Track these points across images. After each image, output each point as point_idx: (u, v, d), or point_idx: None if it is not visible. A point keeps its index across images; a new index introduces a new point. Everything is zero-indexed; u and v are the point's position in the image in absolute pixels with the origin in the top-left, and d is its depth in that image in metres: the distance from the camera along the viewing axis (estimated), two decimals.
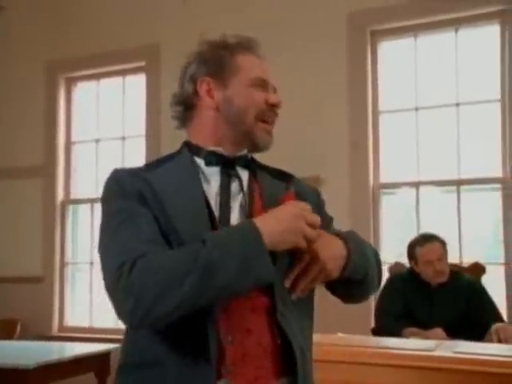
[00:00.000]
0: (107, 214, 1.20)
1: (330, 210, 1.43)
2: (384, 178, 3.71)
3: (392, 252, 3.63)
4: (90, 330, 4.35)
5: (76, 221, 4.59)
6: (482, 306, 2.89)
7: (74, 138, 4.61)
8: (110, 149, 4.53)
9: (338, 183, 3.62)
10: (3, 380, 2.80)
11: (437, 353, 2.01)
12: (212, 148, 1.28)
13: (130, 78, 4.49)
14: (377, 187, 3.69)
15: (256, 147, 1.31)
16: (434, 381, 1.90)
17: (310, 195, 1.35)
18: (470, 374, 1.85)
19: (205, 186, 1.25)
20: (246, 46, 1.32)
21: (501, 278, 3.42)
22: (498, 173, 3.47)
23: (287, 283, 1.19)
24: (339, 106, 3.70)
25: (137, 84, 4.40)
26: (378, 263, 1.36)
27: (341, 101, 3.70)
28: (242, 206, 1.25)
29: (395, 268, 3.26)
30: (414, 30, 3.70)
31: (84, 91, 4.65)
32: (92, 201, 4.41)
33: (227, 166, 1.27)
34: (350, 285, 1.27)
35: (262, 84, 1.30)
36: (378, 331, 2.95)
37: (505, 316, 3.07)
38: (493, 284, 3.18)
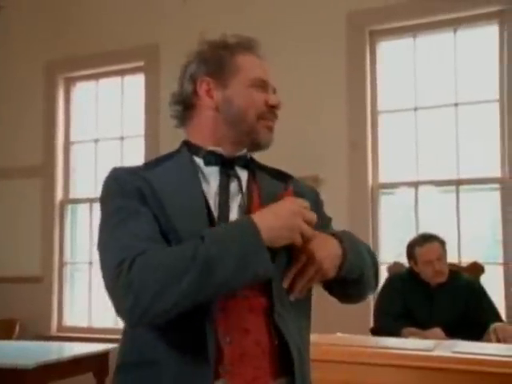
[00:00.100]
0: (106, 213, 1.20)
1: (328, 209, 1.43)
2: (383, 177, 3.71)
3: (391, 252, 3.63)
4: (89, 329, 4.35)
5: (75, 220, 4.58)
6: (480, 306, 2.90)
7: (72, 138, 4.61)
8: (108, 149, 4.53)
9: (337, 183, 3.62)
10: (2, 380, 2.80)
11: (435, 353, 2.01)
12: (211, 148, 1.28)
13: (128, 78, 4.49)
14: (376, 187, 3.69)
15: (257, 146, 1.31)
16: (433, 380, 1.90)
17: (309, 195, 1.34)
18: (468, 373, 1.85)
19: (204, 185, 1.25)
20: (246, 45, 1.32)
21: (499, 277, 3.42)
22: (496, 173, 3.47)
23: (285, 284, 1.19)
24: (338, 105, 3.71)
25: (136, 84, 4.40)
26: (375, 263, 1.36)
27: (340, 101, 3.70)
28: (240, 206, 1.25)
29: (394, 268, 3.26)
30: (413, 30, 3.70)
31: (83, 91, 4.65)
32: (91, 200, 4.41)
33: (226, 165, 1.27)
34: (347, 284, 1.27)
35: (262, 85, 1.30)
36: (376, 331, 2.95)
37: (503, 316, 3.07)
38: (491, 284, 3.18)
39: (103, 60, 4.42)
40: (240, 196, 1.26)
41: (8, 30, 4.67)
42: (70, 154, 4.60)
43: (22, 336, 4.10)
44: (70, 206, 4.57)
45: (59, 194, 4.52)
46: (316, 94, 3.76)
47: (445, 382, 1.89)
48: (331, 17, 3.76)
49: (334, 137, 3.70)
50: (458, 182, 3.55)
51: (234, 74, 1.29)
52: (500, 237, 3.45)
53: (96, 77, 4.56)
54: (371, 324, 3.23)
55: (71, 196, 4.58)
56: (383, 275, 3.13)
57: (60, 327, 4.42)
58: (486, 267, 3.15)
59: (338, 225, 1.41)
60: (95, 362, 3.24)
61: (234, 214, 1.23)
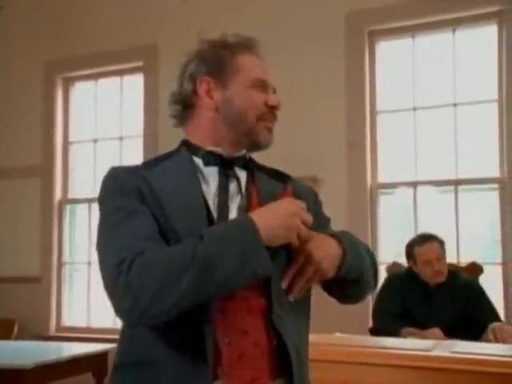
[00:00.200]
0: (105, 212, 1.19)
1: (327, 210, 1.43)
2: (382, 177, 3.71)
3: (390, 252, 3.63)
4: (88, 329, 4.35)
5: (74, 220, 4.58)
6: (479, 306, 2.89)
7: (71, 138, 4.61)
8: (107, 149, 4.53)
9: (336, 183, 3.63)
10: (1, 380, 2.79)
11: (434, 353, 2.01)
12: (210, 148, 1.28)
13: (127, 78, 4.49)
14: (375, 187, 3.69)
15: (257, 146, 1.31)
16: (432, 380, 1.90)
17: (307, 196, 1.35)
18: (467, 373, 1.85)
19: (203, 185, 1.25)
20: (246, 45, 1.32)
21: (498, 277, 3.42)
22: (495, 173, 3.48)
23: (284, 284, 1.19)
24: (337, 105, 3.71)
25: (135, 84, 4.40)
26: (374, 263, 1.36)
27: (338, 101, 3.71)
28: (239, 207, 1.25)
29: (393, 268, 3.26)
30: (412, 30, 3.70)
31: (82, 91, 4.65)
32: (90, 200, 4.40)
33: (225, 166, 1.27)
34: (346, 285, 1.27)
35: (262, 85, 1.30)
36: (375, 331, 2.95)
37: (502, 316, 3.07)
38: (490, 284, 3.19)
39: (102, 60, 4.41)
40: (239, 196, 1.26)
41: (7, 30, 4.67)
42: (68, 153, 4.60)
43: (21, 336, 4.10)
44: (68, 206, 4.56)
45: (58, 194, 4.52)
46: (315, 93, 3.76)
47: (443, 382, 1.89)
48: (330, 17, 3.76)
49: (332, 137, 3.70)
50: (457, 182, 3.55)
51: (235, 75, 1.28)
52: (499, 237, 3.46)
53: (95, 77, 4.56)
54: (370, 324, 3.23)
55: (70, 196, 4.57)
56: (382, 275, 3.13)
57: (59, 327, 4.41)
58: (485, 267, 3.15)
59: (336, 225, 1.41)
60: (94, 362, 3.24)
61: (233, 215, 1.23)
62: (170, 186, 1.21)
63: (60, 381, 3.07)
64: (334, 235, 1.26)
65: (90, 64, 4.46)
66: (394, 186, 3.74)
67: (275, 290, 1.19)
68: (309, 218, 1.17)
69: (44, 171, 4.51)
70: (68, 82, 4.63)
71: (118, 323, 1.11)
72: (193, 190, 1.22)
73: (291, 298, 1.21)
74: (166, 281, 1.04)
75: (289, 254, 1.19)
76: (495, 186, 3.49)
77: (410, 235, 3.19)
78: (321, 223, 1.34)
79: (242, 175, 1.30)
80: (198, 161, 1.28)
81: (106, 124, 4.55)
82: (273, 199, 1.21)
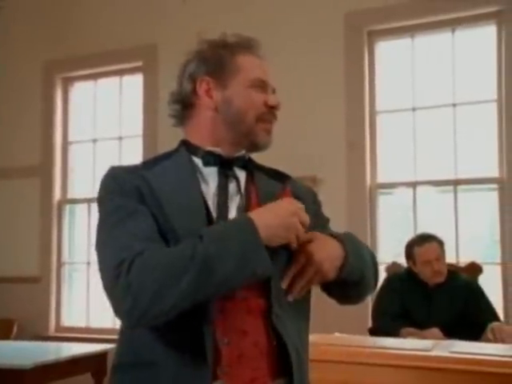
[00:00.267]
0: (105, 212, 1.19)
1: (327, 210, 1.43)
2: (381, 177, 3.71)
3: (389, 252, 3.63)
4: (87, 330, 4.35)
5: (73, 221, 4.58)
6: (478, 306, 2.90)
7: (71, 138, 4.60)
8: (107, 149, 4.52)
9: (335, 183, 3.63)
10: (0, 380, 2.79)
11: (434, 353, 2.01)
12: (210, 148, 1.28)
13: (127, 78, 4.48)
14: (374, 187, 3.69)
15: (255, 147, 1.31)
16: (431, 380, 1.91)
17: (307, 196, 1.34)
18: (466, 373, 1.85)
19: (203, 186, 1.24)
20: (246, 45, 1.32)
21: (497, 277, 3.42)
22: (494, 173, 3.48)
23: (284, 285, 1.19)
24: (336, 105, 3.71)
25: (134, 84, 4.40)
26: (375, 265, 1.36)
27: (338, 101, 3.71)
28: (239, 207, 1.25)
29: (392, 268, 3.26)
30: (411, 31, 3.70)
31: (81, 91, 4.65)
32: (89, 201, 4.40)
33: (225, 166, 1.27)
34: (347, 286, 1.27)
35: (262, 85, 1.29)
36: (375, 331, 2.95)
37: (501, 316, 3.08)
38: (489, 284, 3.19)
39: (101, 60, 4.41)
40: (238, 196, 1.26)
41: (7, 30, 4.66)
42: (68, 153, 4.60)
43: (20, 336, 4.10)
44: (68, 206, 4.56)
45: (57, 194, 4.52)
46: (314, 93, 3.76)
47: (443, 381, 1.89)
48: (329, 17, 3.77)
49: (332, 137, 3.70)
50: (456, 182, 3.55)
51: (234, 75, 1.28)
52: (498, 237, 3.46)
53: (94, 77, 4.56)
54: (369, 324, 3.24)
55: (69, 196, 4.57)
56: (381, 275, 3.13)
57: (58, 327, 4.41)
58: (484, 267, 3.15)
59: (336, 225, 1.40)
60: (93, 362, 3.24)
61: (232, 215, 1.23)
62: (170, 185, 1.20)
63: (59, 381, 3.07)
64: (337, 237, 1.26)
65: (89, 64, 4.46)
66: (393, 186, 3.74)
67: (275, 290, 1.19)
68: (307, 218, 1.17)
69: (43, 171, 4.51)
70: (67, 82, 4.63)
71: (118, 323, 1.11)
72: (192, 189, 1.22)
73: (290, 298, 1.20)
74: (166, 281, 1.04)
75: (288, 254, 1.19)
76: (494, 186, 3.49)
77: (409, 235, 3.20)
78: (320, 223, 1.34)
79: (242, 175, 1.30)
80: (198, 161, 1.28)
81: (105, 124, 4.55)
82: (272, 199, 1.20)
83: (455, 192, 3.55)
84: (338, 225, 1.42)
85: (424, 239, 3.00)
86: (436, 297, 2.94)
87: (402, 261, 3.14)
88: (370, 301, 3.26)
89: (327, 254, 1.20)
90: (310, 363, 1.28)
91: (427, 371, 1.90)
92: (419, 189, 3.65)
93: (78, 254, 4.53)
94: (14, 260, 4.49)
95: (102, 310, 4.23)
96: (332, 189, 3.54)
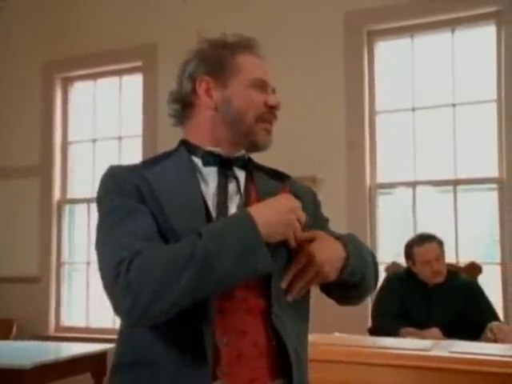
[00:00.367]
0: (104, 212, 1.19)
1: (326, 210, 1.43)
2: (381, 177, 3.71)
3: (389, 252, 3.63)
4: (87, 329, 4.34)
5: (72, 220, 4.58)
6: (478, 306, 2.90)
7: (70, 138, 4.60)
8: (106, 149, 4.52)
9: (335, 183, 3.63)
10: (0, 380, 2.79)
11: (433, 352, 2.01)
12: (210, 148, 1.28)
13: (126, 78, 4.48)
14: (373, 187, 3.70)
15: (255, 147, 1.31)
16: (431, 380, 1.91)
17: (306, 196, 1.34)
18: (466, 373, 1.85)
19: (202, 185, 1.24)
20: (246, 45, 1.31)
21: (497, 277, 3.42)
22: (494, 173, 3.48)
23: (283, 284, 1.19)
24: (336, 105, 3.71)
25: (134, 84, 4.39)
26: (375, 265, 1.36)
27: (338, 101, 3.71)
28: (238, 207, 1.24)
29: (392, 268, 3.26)
30: (411, 31, 3.70)
31: (81, 91, 4.65)
32: (88, 201, 4.40)
33: (225, 166, 1.27)
34: (347, 287, 1.27)
35: (262, 85, 1.29)
36: (374, 331, 2.95)
37: (501, 316, 3.08)
38: (489, 284, 3.19)
39: (101, 60, 4.41)
40: (238, 196, 1.26)
41: (6, 30, 4.66)
42: (67, 153, 4.59)
43: (20, 336, 4.10)
44: (67, 206, 4.56)
45: (57, 194, 4.52)
46: (314, 94, 3.76)
47: (442, 381, 1.89)
48: (329, 17, 3.76)
49: (331, 137, 3.70)
50: (456, 182, 3.55)
51: (234, 74, 1.28)
52: (498, 237, 3.46)
53: (94, 77, 4.56)
54: (369, 324, 3.24)
55: (69, 196, 4.57)
56: (381, 275, 3.13)
57: (58, 327, 4.41)
58: (484, 267, 3.15)
59: (335, 225, 1.40)
60: (93, 362, 3.24)
61: None
62: (169, 185, 1.20)
63: (59, 381, 3.07)
64: (339, 238, 1.26)
65: (88, 64, 4.45)
66: (392, 186, 3.74)
67: (275, 290, 1.19)
68: (303, 216, 1.17)
69: (43, 171, 4.51)
70: (67, 82, 4.63)
71: (117, 323, 1.11)
72: (192, 189, 1.22)
73: (289, 298, 1.20)
74: (165, 280, 1.04)
75: (288, 251, 1.19)
76: (494, 186, 3.49)
77: (408, 235, 3.20)
78: (319, 223, 1.33)
79: (241, 175, 1.30)
80: (197, 161, 1.28)
81: (104, 124, 4.55)
82: None
83: (455, 192, 3.55)
84: (337, 225, 1.42)
85: (423, 239, 3.00)
86: (436, 297, 2.94)
87: (402, 261, 3.14)
88: (369, 301, 3.26)
89: (328, 255, 1.20)
90: (310, 363, 1.28)
91: (427, 371, 1.90)
92: (419, 189, 3.65)
93: (78, 253, 4.53)
94: (14, 260, 4.49)
95: (101, 310, 4.23)
96: (332, 189, 3.54)
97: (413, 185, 3.65)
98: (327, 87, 3.74)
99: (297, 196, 1.24)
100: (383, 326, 2.92)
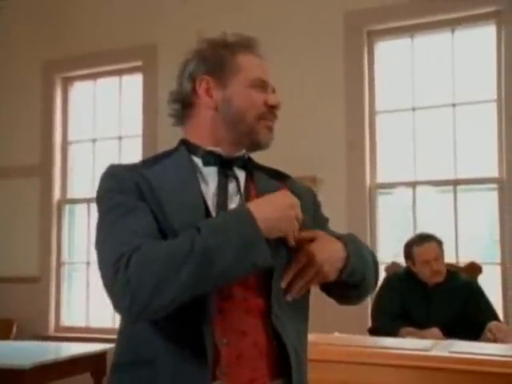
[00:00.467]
0: (104, 210, 1.18)
1: (326, 210, 1.43)
2: (381, 177, 3.71)
3: (389, 252, 3.63)
4: (87, 329, 4.34)
5: (72, 220, 4.58)
6: (478, 306, 2.90)
7: (70, 138, 4.60)
8: (106, 148, 4.52)
9: (335, 183, 3.63)
10: (0, 380, 2.80)
11: (433, 352, 2.01)
12: (210, 148, 1.27)
13: (126, 78, 4.48)
14: (373, 187, 3.69)
15: (257, 146, 1.30)
16: (431, 380, 1.91)
17: (306, 196, 1.34)
18: (466, 373, 1.85)
19: (202, 185, 1.24)
20: (246, 45, 1.31)
21: (497, 277, 3.42)
22: (494, 173, 3.48)
23: (283, 284, 1.19)
24: (336, 105, 3.71)
25: (134, 84, 4.39)
26: (375, 264, 1.36)
27: (337, 101, 3.71)
28: None
29: (392, 268, 3.26)
30: (411, 31, 3.70)
31: (81, 91, 4.65)
32: (88, 200, 4.40)
33: (225, 166, 1.27)
34: (347, 287, 1.27)
35: (262, 85, 1.29)
36: (374, 331, 2.95)
37: (501, 316, 3.08)
38: (489, 284, 3.19)
39: (101, 60, 4.41)
40: (238, 196, 1.26)
41: (6, 30, 4.66)
42: (67, 153, 4.59)
43: (20, 336, 4.10)
44: (67, 206, 4.56)
45: (57, 194, 4.52)
46: (314, 93, 3.76)
47: (442, 381, 1.89)
48: (329, 17, 3.76)
49: (331, 137, 3.70)
50: (456, 182, 3.55)
51: (235, 74, 1.28)
52: (497, 237, 3.46)
53: (94, 76, 4.56)
54: (369, 324, 3.23)
55: (69, 196, 4.57)
56: (381, 275, 3.12)
57: (57, 327, 4.41)
58: (484, 267, 3.15)
59: (335, 225, 1.40)
60: (93, 362, 3.25)
61: None
62: (169, 184, 1.20)
63: (59, 381, 3.07)
64: (340, 238, 1.26)
65: (88, 64, 4.45)
66: (392, 185, 3.74)
67: (275, 290, 1.19)
68: (300, 213, 1.16)
69: (43, 171, 4.51)
70: (67, 82, 4.63)
71: (117, 323, 1.11)
72: (192, 189, 1.22)
73: (289, 297, 1.20)
74: (165, 275, 1.04)
75: (287, 249, 1.19)
76: (494, 186, 3.49)
77: (408, 235, 3.20)
78: (319, 223, 1.33)
79: (241, 175, 1.30)
80: (198, 160, 1.27)
81: (104, 124, 4.55)
82: None
83: (455, 192, 3.55)
84: (337, 225, 1.42)
85: (423, 239, 3.00)
86: (435, 297, 2.94)
87: (402, 260, 3.14)
88: (369, 300, 3.26)
89: (329, 254, 1.20)
90: (310, 363, 1.28)
91: (427, 371, 1.90)
92: (419, 189, 3.65)
93: (78, 253, 4.53)
94: (14, 260, 4.49)
95: (101, 310, 4.23)
96: (332, 189, 3.54)
97: (413, 185, 3.66)
98: (327, 87, 3.74)
99: (297, 196, 1.24)
100: (383, 325, 2.92)
